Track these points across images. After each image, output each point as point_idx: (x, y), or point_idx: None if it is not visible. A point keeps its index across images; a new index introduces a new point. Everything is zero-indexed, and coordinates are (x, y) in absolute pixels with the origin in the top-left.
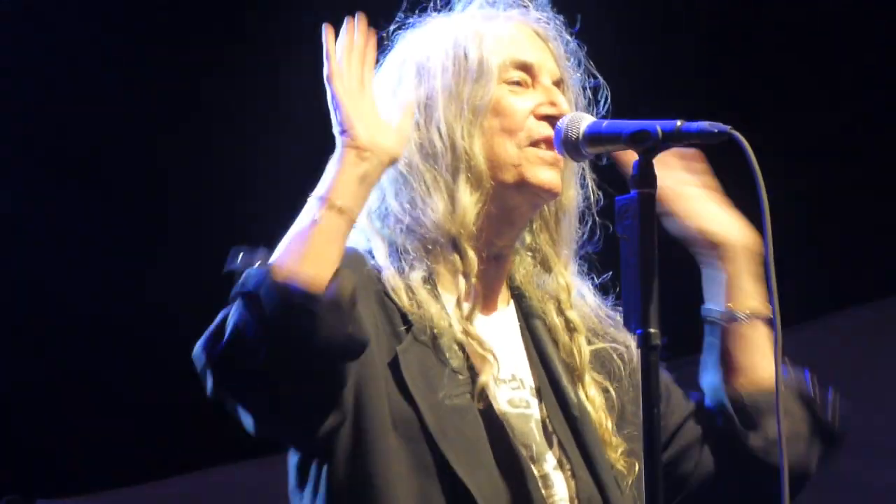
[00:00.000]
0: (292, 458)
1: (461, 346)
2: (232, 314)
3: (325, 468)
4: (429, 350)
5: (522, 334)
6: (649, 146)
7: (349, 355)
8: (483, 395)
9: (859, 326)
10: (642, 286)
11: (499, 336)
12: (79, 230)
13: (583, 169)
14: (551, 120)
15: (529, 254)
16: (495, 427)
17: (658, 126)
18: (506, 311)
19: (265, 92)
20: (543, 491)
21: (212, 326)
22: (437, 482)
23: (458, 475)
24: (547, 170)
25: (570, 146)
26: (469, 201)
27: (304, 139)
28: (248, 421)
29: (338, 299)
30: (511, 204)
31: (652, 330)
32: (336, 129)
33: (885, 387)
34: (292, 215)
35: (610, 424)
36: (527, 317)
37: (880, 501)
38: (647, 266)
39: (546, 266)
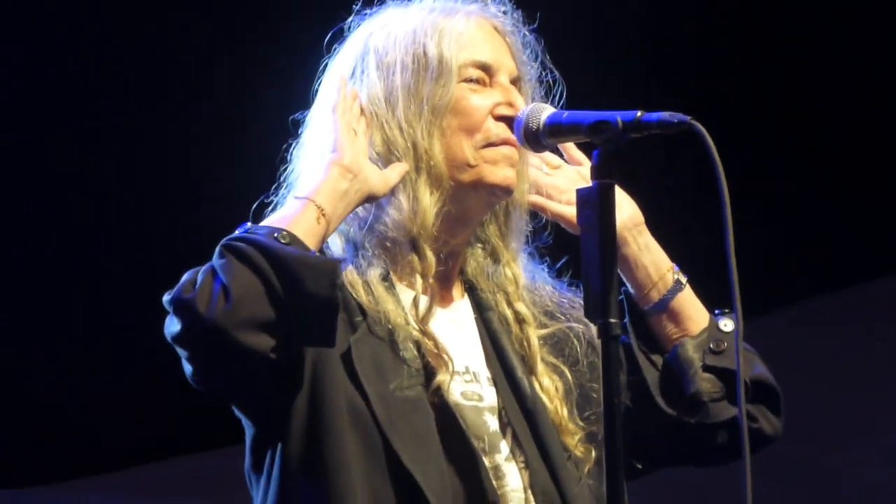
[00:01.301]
0: (248, 438)
1: (417, 345)
2: (209, 265)
3: (279, 447)
4: (383, 343)
5: (477, 325)
6: (610, 136)
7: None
8: (437, 389)
9: (822, 316)
10: (602, 276)
11: (454, 329)
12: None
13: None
14: (509, 121)
15: (479, 245)
16: (447, 419)
17: (618, 117)
18: (461, 303)
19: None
20: (495, 482)
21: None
22: (385, 471)
23: (405, 466)
24: (503, 168)
25: (531, 137)
26: (429, 202)
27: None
28: (200, 366)
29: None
30: (467, 204)
31: (612, 320)
32: (326, 150)
33: (844, 377)
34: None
35: (566, 412)
36: (480, 309)
37: (844, 488)
38: (607, 256)
39: (495, 258)
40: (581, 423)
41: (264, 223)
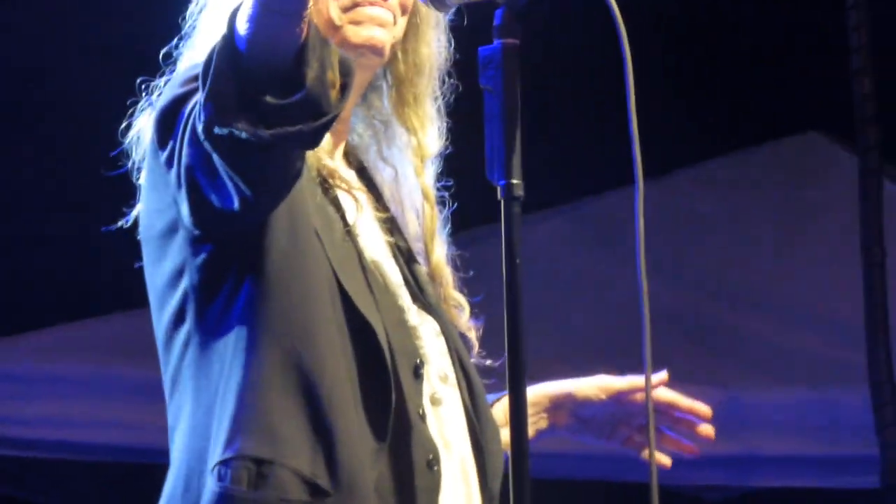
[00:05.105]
0: (192, 279)
1: (326, 183)
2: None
3: (248, 276)
4: (315, 186)
5: (367, 196)
6: None
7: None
8: (356, 242)
9: (721, 177)
10: (505, 137)
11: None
12: None
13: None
14: None
15: (377, 119)
16: (372, 275)
17: None
18: (347, 171)
19: None
20: (416, 341)
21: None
22: (342, 315)
23: (362, 314)
24: (368, 28)
25: None
26: None
27: None
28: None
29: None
30: None
31: (514, 181)
32: None
33: (746, 235)
34: None
35: (452, 283)
36: (367, 183)
37: (747, 348)
38: (510, 117)
39: (391, 130)
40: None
41: None
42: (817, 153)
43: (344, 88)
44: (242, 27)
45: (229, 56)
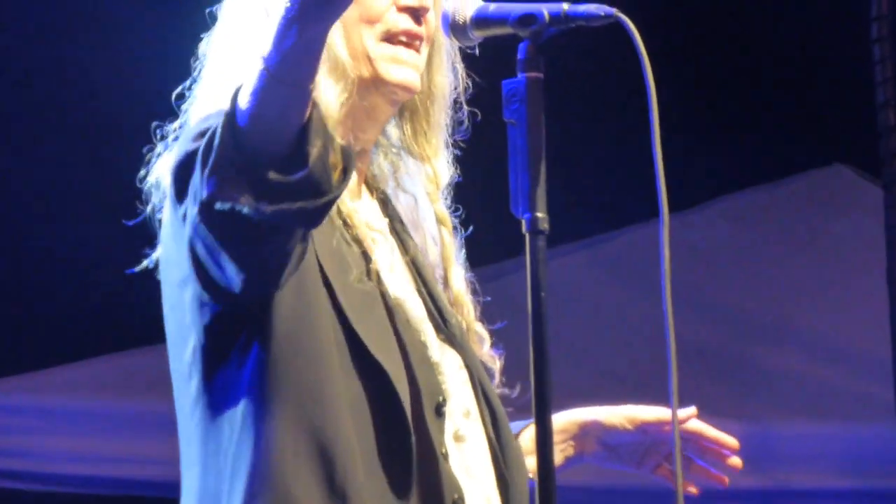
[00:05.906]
0: (202, 331)
1: (346, 224)
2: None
3: (256, 339)
4: (333, 230)
5: (389, 229)
6: (536, 30)
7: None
8: (379, 280)
9: (747, 210)
10: (530, 170)
11: (373, 223)
12: None
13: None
14: (412, 12)
15: (394, 149)
16: (395, 314)
17: (545, 10)
18: (371, 204)
19: None
20: (438, 377)
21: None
22: (353, 365)
23: (375, 359)
24: (402, 67)
25: (458, 30)
26: (332, 93)
27: None
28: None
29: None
30: (371, 99)
31: (539, 214)
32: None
33: (771, 269)
34: None
35: (474, 314)
36: (389, 213)
37: (773, 382)
38: (534, 150)
39: (414, 157)
40: (485, 328)
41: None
42: (842, 186)
43: (345, 172)
44: (244, 102)
45: (232, 133)
